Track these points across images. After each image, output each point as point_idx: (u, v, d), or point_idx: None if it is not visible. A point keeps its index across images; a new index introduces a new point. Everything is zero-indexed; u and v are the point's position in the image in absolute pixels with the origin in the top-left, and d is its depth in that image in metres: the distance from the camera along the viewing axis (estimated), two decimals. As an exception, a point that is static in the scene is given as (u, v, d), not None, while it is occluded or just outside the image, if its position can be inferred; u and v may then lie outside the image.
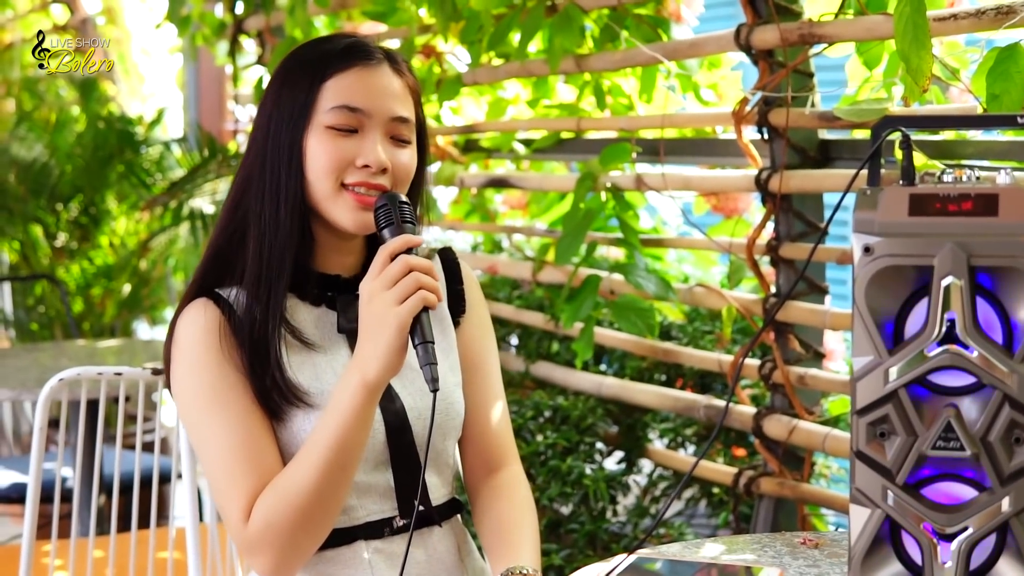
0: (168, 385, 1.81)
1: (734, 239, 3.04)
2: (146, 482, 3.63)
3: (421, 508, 1.83)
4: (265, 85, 1.93)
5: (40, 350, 3.94)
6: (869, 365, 1.43)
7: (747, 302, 3.00)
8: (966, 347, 1.40)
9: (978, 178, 1.46)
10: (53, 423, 4.70)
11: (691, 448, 3.50)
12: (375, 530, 1.80)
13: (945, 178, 1.47)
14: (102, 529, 3.29)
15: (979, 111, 2.29)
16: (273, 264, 1.76)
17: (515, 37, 3.38)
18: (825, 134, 2.87)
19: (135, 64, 7.88)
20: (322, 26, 4.46)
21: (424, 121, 1.87)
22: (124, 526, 3.53)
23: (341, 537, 1.79)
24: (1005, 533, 1.43)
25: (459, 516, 1.92)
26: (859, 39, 2.56)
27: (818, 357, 2.92)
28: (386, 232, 1.69)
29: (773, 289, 2.92)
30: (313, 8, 4.15)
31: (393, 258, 1.65)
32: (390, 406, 1.80)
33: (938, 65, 2.42)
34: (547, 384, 3.70)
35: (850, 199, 1.51)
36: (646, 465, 3.65)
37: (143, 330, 6.51)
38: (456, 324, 1.94)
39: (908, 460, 1.43)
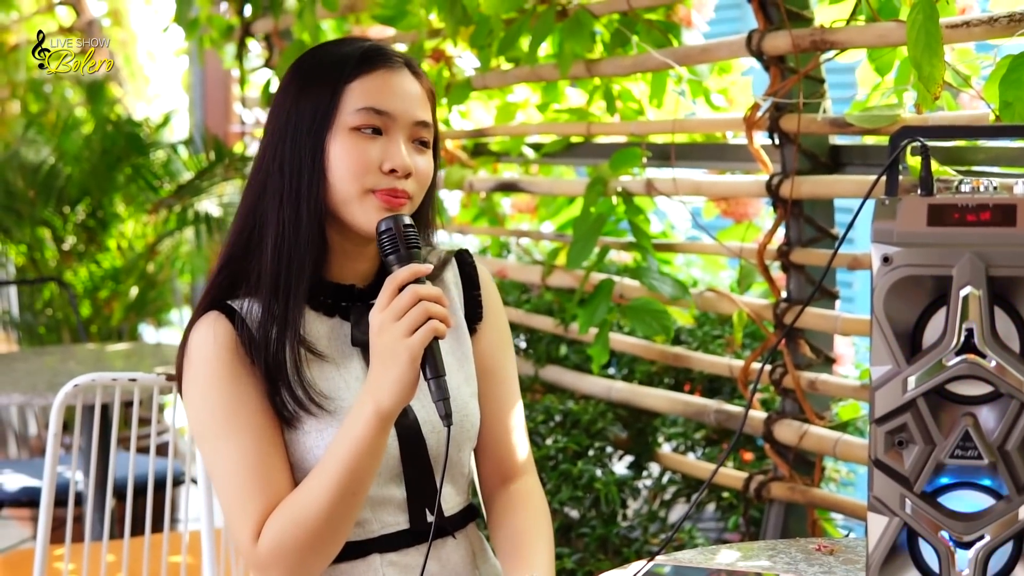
0: (180, 395, 1.80)
1: (744, 244, 3.05)
2: (159, 486, 3.64)
3: (440, 517, 1.83)
4: (275, 88, 1.90)
5: (48, 354, 3.95)
6: (888, 374, 1.44)
7: (757, 307, 3.00)
8: (984, 357, 1.40)
9: (996, 188, 1.47)
10: (64, 426, 4.70)
11: (700, 452, 3.51)
12: (389, 543, 1.80)
13: (963, 188, 1.47)
14: (113, 533, 3.30)
15: (991, 118, 2.30)
16: (293, 270, 1.74)
17: (525, 42, 3.38)
18: (836, 140, 2.88)
19: (140, 66, 7.88)
20: (330, 29, 4.46)
21: (438, 126, 1.86)
22: (135, 530, 3.54)
23: (355, 551, 1.78)
24: (1022, 541, 1.43)
25: (474, 523, 1.91)
26: (871, 45, 2.56)
27: (828, 362, 2.92)
28: (391, 259, 1.67)
29: (784, 294, 2.93)
30: (322, 11, 4.16)
31: (401, 288, 1.64)
32: (403, 420, 1.79)
33: (950, 72, 2.43)
34: (557, 388, 3.70)
35: (866, 206, 1.52)
36: (654, 469, 3.65)
37: (149, 333, 6.51)
38: (473, 331, 1.92)
39: (926, 469, 1.44)
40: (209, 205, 5.27)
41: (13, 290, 5.39)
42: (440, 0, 3.44)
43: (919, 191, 1.48)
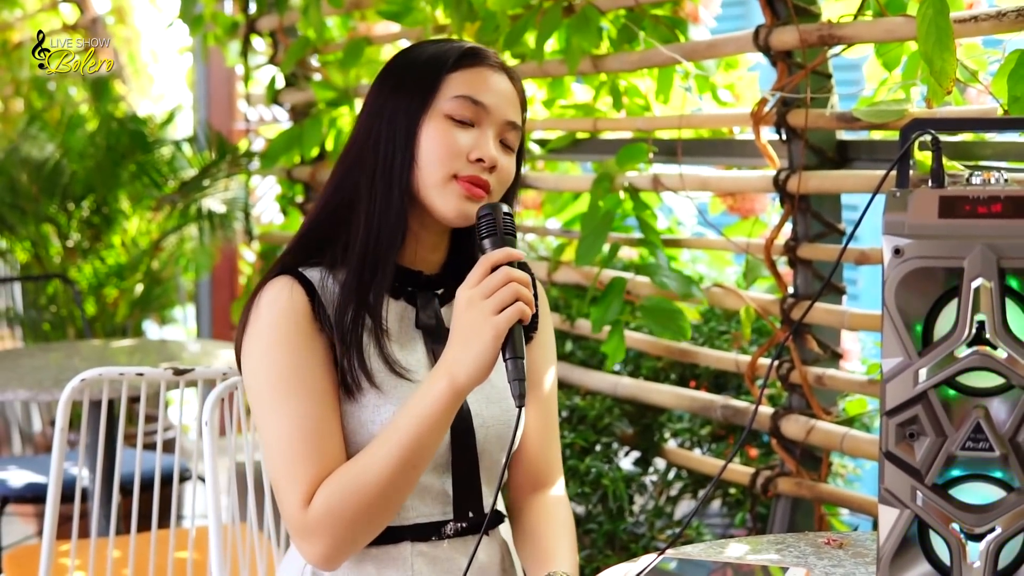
0: (238, 357, 1.81)
1: (751, 239, 3.05)
2: (165, 482, 3.64)
3: (472, 515, 1.84)
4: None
5: (53, 350, 3.95)
6: (899, 366, 1.44)
7: (764, 302, 3.00)
8: (995, 348, 1.40)
9: (1006, 180, 1.47)
10: (69, 423, 4.71)
11: (706, 448, 3.51)
12: (423, 533, 1.81)
13: (973, 180, 1.47)
14: (119, 530, 3.30)
15: (999, 113, 2.30)
16: (382, 246, 1.77)
17: (531, 38, 3.38)
18: (843, 135, 2.87)
19: (145, 64, 7.89)
20: (335, 26, 4.46)
21: (525, 134, 1.89)
22: (142, 527, 3.54)
23: (388, 535, 1.79)
24: (1034, 533, 1.43)
25: (500, 527, 1.92)
26: (878, 40, 2.56)
27: (835, 357, 2.92)
28: (487, 242, 1.70)
29: (791, 289, 2.93)
30: (327, 8, 4.15)
31: (494, 269, 1.66)
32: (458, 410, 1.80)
33: (958, 67, 2.43)
34: (563, 384, 3.70)
35: (867, 199, 1.52)
36: (661, 465, 3.65)
37: (153, 331, 6.52)
38: (528, 339, 1.94)
39: (937, 461, 1.44)
40: (213, 202, 5.26)
41: (18, 287, 5.39)
42: (446, -4, 3.44)
43: (930, 183, 1.48)
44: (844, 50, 2.69)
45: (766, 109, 2.82)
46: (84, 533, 3.37)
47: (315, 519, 1.70)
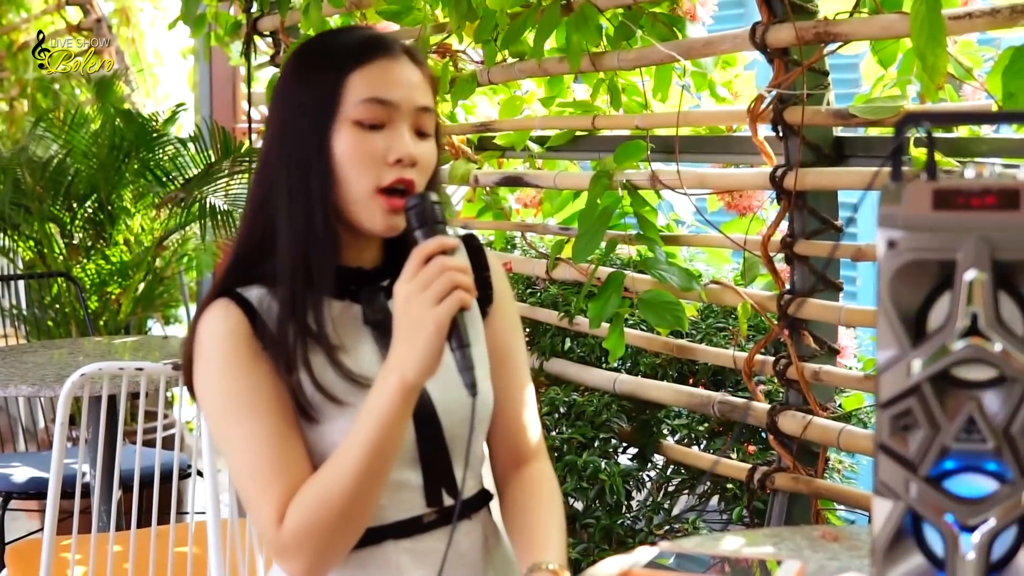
0: (189, 386, 1.79)
1: (748, 236, 3.06)
2: (165, 478, 3.65)
3: (450, 503, 1.83)
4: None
5: (57, 347, 3.96)
6: (893, 358, 1.44)
7: (761, 299, 3.01)
8: (989, 340, 1.41)
9: (1000, 173, 1.47)
10: (70, 419, 4.72)
11: (704, 444, 3.51)
12: (404, 529, 1.80)
13: (967, 173, 1.48)
14: (121, 525, 3.31)
15: (994, 109, 2.30)
16: (313, 261, 1.74)
17: (530, 36, 3.39)
18: (840, 132, 2.88)
19: (148, 65, 7.89)
20: (336, 25, 4.47)
21: (438, 113, 1.85)
22: (141, 522, 3.54)
23: (370, 537, 1.78)
24: (1026, 525, 1.44)
25: (488, 507, 1.92)
26: (874, 37, 2.57)
27: (832, 353, 2.93)
28: (419, 233, 1.67)
29: (787, 286, 2.93)
30: (328, 8, 4.16)
31: (427, 260, 1.64)
32: (418, 400, 1.77)
33: (952, 63, 2.44)
34: (561, 381, 3.71)
35: (869, 196, 1.52)
36: (658, 461, 3.66)
37: (157, 328, 6.53)
38: (484, 313, 1.93)
39: (931, 452, 1.44)
40: (216, 200, 5.28)
41: (22, 284, 5.40)
42: (445, -5, 3.45)
43: (924, 176, 1.48)
44: (840, 47, 2.70)
45: (763, 106, 2.83)
46: (86, 528, 3.38)
47: (290, 537, 1.68)
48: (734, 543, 1.81)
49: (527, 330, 3.98)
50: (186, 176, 5.41)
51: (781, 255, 2.94)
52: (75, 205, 5.35)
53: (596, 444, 3.38)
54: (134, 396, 3.54)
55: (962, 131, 2.55)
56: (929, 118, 1.53)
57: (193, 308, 6.76)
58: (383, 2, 3.89)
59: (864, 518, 3.19)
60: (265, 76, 5.30)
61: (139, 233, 5.51)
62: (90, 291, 5.36)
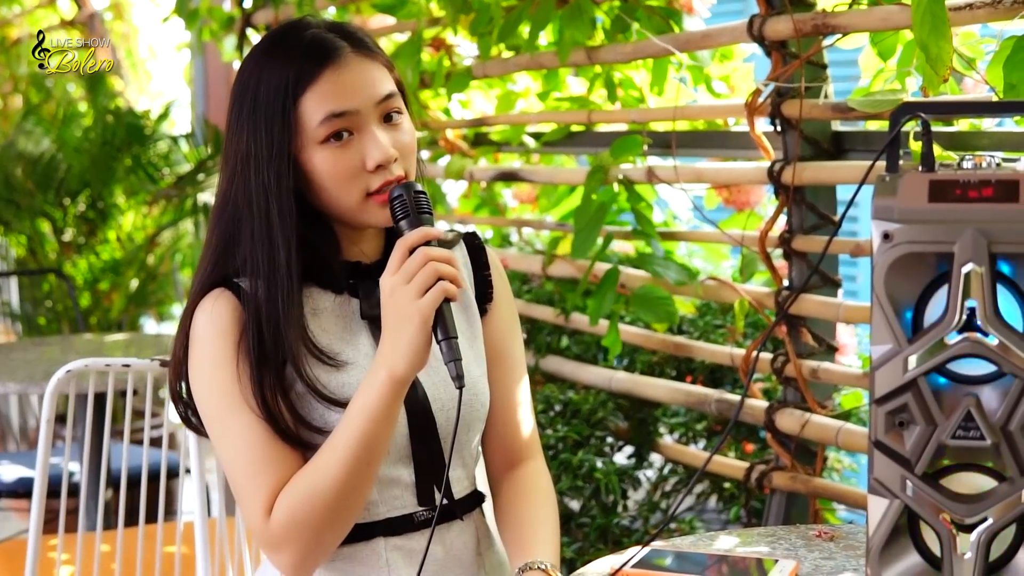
0: (181, 377, 1.77)
1: (746, 232, 3.03)
2: (153, 476, 3.62)
3: (445, 502, 1.81)
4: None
5: (47, 344, 3.93)
6: (888, 353, 1.41)
7: (759, 295, 2.98)
8: (986, 335, 1.38)
9: (998, 164, 1.44)
10: (60, 417, 4.70)
11: (702, 443, 3.49)
12: (395, 526, 1.78)
13: (965, 164, 1.44)
14: (107, 524, 3.28)
15: (994, 101, 2.27)
16: (282, 306, 1.70)
17: (525, 29, 3.36)
18: (838, 126, 2.85)
19: (142, 60, 7.88)
20: (332, 20, 4.44)
21: (401, 80, 1.80)
22: (131, 521, 3.52)
23: (360, 533, 1.76)
24: (1026, 524, 1.41)
25: (481, 508, 1.89)
26: (873, 29, 2.54)
27: (831, 351, 2.90)
28: (403, 224, 1.65)
29: (786, 282, 2.90)
30: (321, 2, 4.13)
31: (412, 251, 1.62)
32: (413, 396, 1.77)
33: (954, 55, 2.40)
34: (557, 378, 3.68)
35: (866, 191, 1.49)
36: (656, 460, 3.63)
37: (150, 325, 6.50)
38: (483, 312, 1.91)
39: (927, 450, 1.41)
40: (209, 196, 5.25)
41: (13, 281, 5.38)
42: (440, -12, 3.42)
43: (920, 167, 1.45)
44: (839, 39, 2.67)
45: (760, 100, 2.80)
46: (74, 528, 3.35)
47: (278, 529, 1.66)
48: (728, 542, 1.78)
49: (524, 327, 3.95)
50: (178, 173, 5.38)
51: (779, 251, 2.91)
52: (67, 201, 5.33)
53: (592, 442, 3.35)
54: (125, 394, 3.51)
55: (963, 124, 2.52)
56: (926, 109, 1.50)
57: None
58: (377, -4, 3.87)
59: (863, 518, 3.16)
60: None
61: (131, 230, 5.49)
62: (82, 288, 5.34)
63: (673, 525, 3.30)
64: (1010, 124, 2.60)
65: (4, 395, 4.66)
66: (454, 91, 3.78)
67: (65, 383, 2.51)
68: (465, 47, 3.91)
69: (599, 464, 3.29)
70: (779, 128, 2.83)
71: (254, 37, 5.01)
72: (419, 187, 1.69)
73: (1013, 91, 2.11)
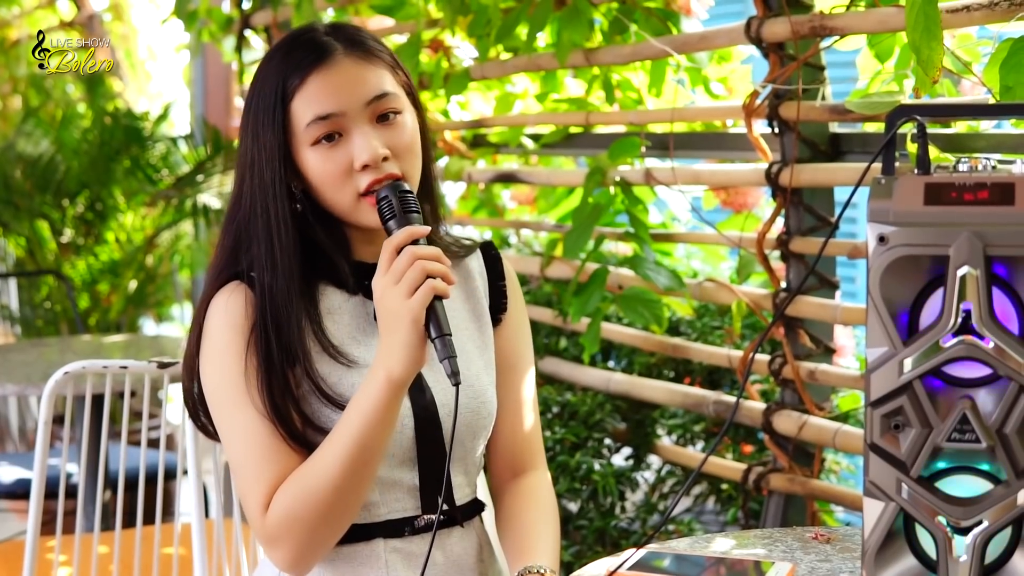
0: (195, 375, 1.78)
1: (744, 234, 3.03)
2: (151, 478, 3.62)
3: (446, 507, 1.81)
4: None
5: (45, 345, 3.93)
6: (883, 356, 1.41)
7: (757, 297, 2.98)
8: (982, 338, 1.38)
9: (994, 167, 1.44)
10: (58, 419, 4.70)
11: (700, 444, 3.49)
12: (395, 528, 1.78)
13: (960, 167, 1.45)
14: (107, 525, 3.28)
15: (991, 103, 2.27)
16: (284, 305, 1.72)
17: (523, 31, 3.36)
18: (836, 127, 2.85)
19: (141, 61, 7.88)
20: (330, 21, 4.44)
21: (410, 82, 1.81)
22: (129, 522, 3.52)
23: (360, 533, 1.76)
24: (1021, 527, 1.41)
25: (481, 517, 1.89)
26: (871, 31, 2.54)
27: (828, 352, 2.90)
28: (390, 224, 1.66)
29: (783, 284, 2.90)
30: (320, 3, 4.13)
31: (399, 251, 1.62)
32: (420, 399, 1.78)
33: (950, 58, 2.40)
34: (555, 380, 3.68)
35: (862, 192, 1.49)
36: (654, 462, 3.63)
37: (149, 327, 6.50)
38: (496, 322, 1.91)
39: (923, 452, 1.41)
40: (208, 198, 5.25)
41: (12, 282, 5.38)
42: (438, -10, 3.42)
43: (916, 170, 1.45)
44: (836, 41, 2.67)
45: (758, 102, 2.80)
46: (72, 529, 3.35)
47: (275, 524, 1.67)
48: (725, 544, 1.78)
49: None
50: (177, 174, 5.38)
51: (777, 252, 2.91)
52: (65, 203, 5.33)
53: (589, 444, 3.35)
54: (123, 395, 3.51)
55: (960, 126, 2.51)
56: (922, 112, 1.50)
57: (187, 306, 6.74)
58: (376, -3, 3.87)
59: (861, 520, 3.15)
60: (258, 72, 5.27)
61: (130, 231, 5.49)
62: (80, 289, 5.34)
63: (671, 527, 3.30)
64: (1007, 126, 2.60)
65: (3, 396, 4.66)
66: (452, 93, 3.78)
67: (63, 384, 2.51)
68: (463, 48, 3.91)
69: (597, 466, 3.29)
70: (777, 130, 2.83)
71: (253, 38, 5.01)
72: (406, 186, 1.69)
73: (1010, 93, 2.10)
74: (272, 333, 1.71)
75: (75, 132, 5.43)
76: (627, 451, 3.58)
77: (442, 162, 4.12)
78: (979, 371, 1.40)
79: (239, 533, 2.37)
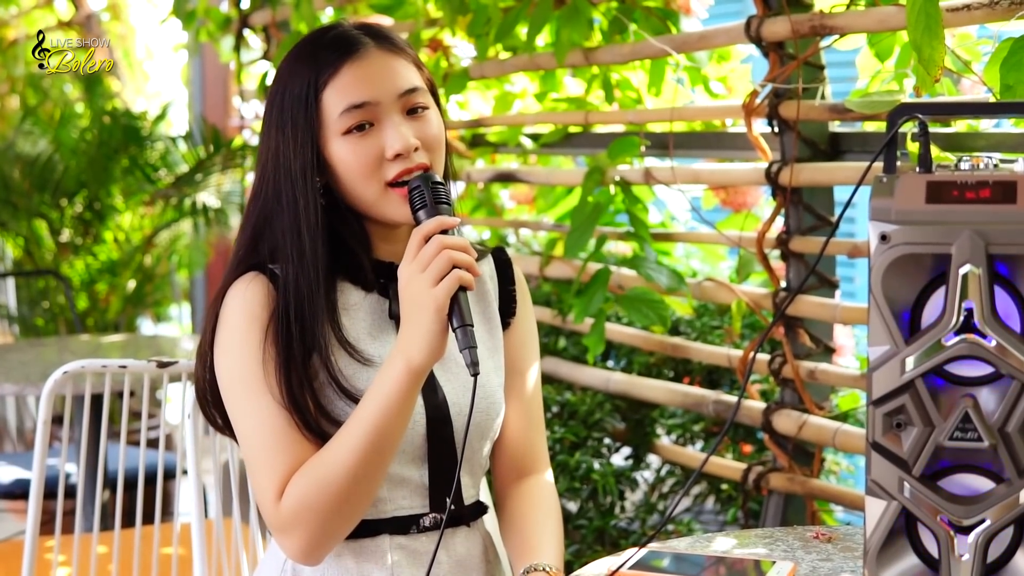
0: (209, 367, 1.78)
1: (743, 233, 3.02)
2: (150, 478, 3.62)
3: (453, 507, 1.81)
4: (270, 81, 1.88)
5: (44, 345, 3.93)
6: (885, 355, 1.41)
7: (756, 296, 2.98)
8: (984, 336, 1.37)
9: (996, 166, 1.44)
10: (57, 419, 4.69)
11: (699, 444, 3.49)
12: (401, 526, 1.78)
13: (962, 165, 1.44)
14: (105, 525, 3.28)
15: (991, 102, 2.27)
16: (309, 295, 1.73)
17: (522, 30, 3.36)
18: (836, 127, 2.85)
19: (139, 61, 7.87)
20: (327, 20, 4.43)
21: (432, 81, 1.83)
22: (128, 522, 3.51)
23: (366, 529, 1.77)
24: (1023, 525, 1.41)
25: (484, 519, 1.90)
26: (871, 30, 2.54)
27: (828, 352, 2.90)
28: (420, 214, 1.67)
29: (783, 283, 2.90)
30: (319, 2, 4.13)
31: (427, 240, 1.62)
32: (432, 398, 1.78)
33: (950, 57, 2.40)
34: (554, 379, 3.68)
35: (861, 191, 1.49)
36: (654, 461, 3.63)
37: (147, 326, 6.50)
38: (505, 326, 1.92)
39: (925, 451, 1.41)
40: (207, 197, 5.24)
41: (10, 282, 5.37)
42: (437, -11, 3.42)
43: (918, 169, 1.45)
44: (836, 40, 2.66)
45: (758, 101, 2.80)
46: (71, 529, 3.35)
47: (288, 513, 1.67)
48: (726, 544, 1.77)
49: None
50: (176, 174, 5.38)
51: (776, 252, 2.91)
52: (64, 202, 5.32)
53: (589, 444, 3.35)
54: (122, 395, 3.51)
55: (960, 126, 2.51)
56: (924, 110, 1.50)
57: (186, 306, 6.74)
58: (375, -4, 3.87)
59: (861, 519, 3.15)
60: (257, 72, 5.27)
61: (128, 231, 5.48)
62: (79, 289, 5.34)
63: (670, 527, 3.30)
64: (1007, 125, 2.60)
65: (1, 396, 4.66)
66: (451, 92, 3.77)
67: (62, 384, 2.51)
68: (462, 48, 3.91)
69: (596, 465, 3.28)
70: (776, 129, 2.83)
71: (251, 38, 5.01)
72: (437, 178, 1.70)
73: (1010, 92, 2.10)
74: (294, 323, 1.71)
75: (73, 132, 5.43)
76: (626, 451, 3.58)
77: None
78: (981, 370, 1.40)
79: (239, 533, 2.36)
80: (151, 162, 5.38)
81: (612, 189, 3.22)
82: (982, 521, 1.40)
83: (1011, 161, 1.47)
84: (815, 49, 2.72)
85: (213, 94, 6.65)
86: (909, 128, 2.20)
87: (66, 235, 5.39)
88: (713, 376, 3.51)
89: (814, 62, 2.75)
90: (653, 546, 1.69)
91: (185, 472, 2.60)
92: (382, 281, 1.81)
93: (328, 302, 1.75)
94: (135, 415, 5.18)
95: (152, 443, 4.95)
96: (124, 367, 2.54)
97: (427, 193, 1.67)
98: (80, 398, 3.08)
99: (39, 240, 5.35)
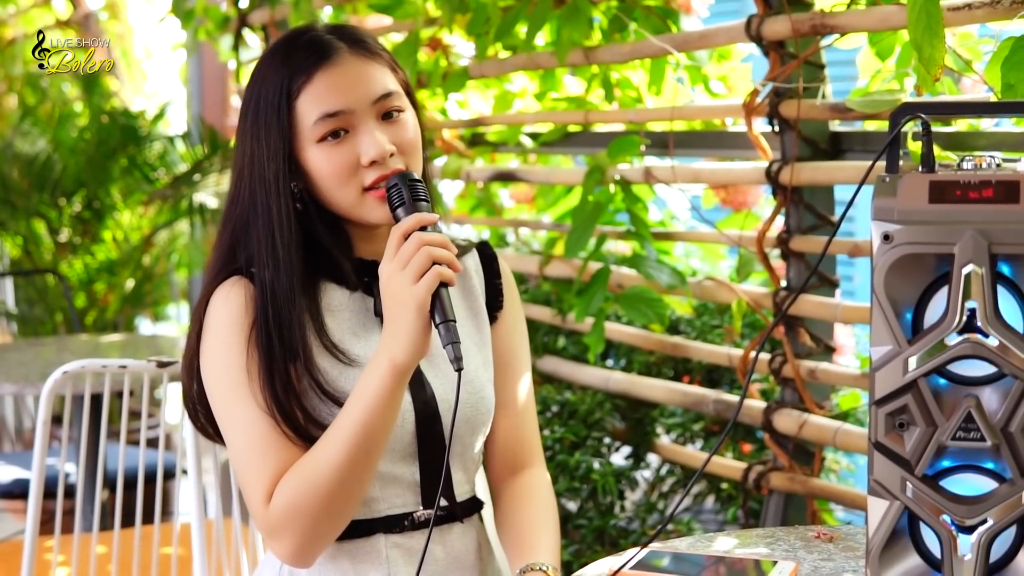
0: (195, 375, 1.78)
1: (744, 232, 3.02)
2: (150, 478, 3.62)
3: (445, 503, 1.81)
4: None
5: (43, 344, 3.92)
6: (888, 355, 1.41)
7: (757, 295, 2.97)
8: (986, 336, 1.37)
9: (999, 165, 1.44)
10: (56, 418, 4.69)
11: (699, 443, 3.48)
12: (395, 523, 1.78)
13: (965, 165, 1.44)
14: (105, 525, 3.27)
15: (993, 101, 2.27)
16: (285, 301, 1.72)
17: (522, 29, 3.35)
18: (836, 126, 2.85)
19: (138, 61, 7.86)
20: (326, 19, 4.43)
21: (408, 81, 1.82)
22: (128, 522, 3.50)
23: (360, 529, 1.76)
24: (1026, 526, 1.41)
25: (480, 514, 1.89)
26: (871, 29, 2.53)
27: (828, 351, 2.90)
28: (399, 212, 1.67)
29: (783, 283, 2.90)
30: (318, 1, 4.12)
31: (407, 237, 1.63)
32: (421, 394, 1.78)
33: (951, 56, 2.40)
34: (554, 379, 3.68)
35: (864, 191, 1.49)
36: (653, 461, 3.63)
37: (146, 326, 6.49)
38: (493, 319, 1.92)
39: (927, 451, 1.41)
40: (205, 196, 5.24)
41: (9, 282, 5.37)
42: (437, -12, 3.41)
43: (920, 168, 1.45)
44: (837, 40, 2.66)
45: (758, 100, 2.79)
46: (70, 529, 3.34)
47: (277, 516, 1.67)
48: (727, 543, 1.77)
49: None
50: (174, 173, 5.38)
51: (777, 251, 2.91)
52: (62, 202, 5.32)
53: (589, 443, 3.34)
54: (121, 394, 3.51)
55: (961, 125, 2.51)
56: (926, 110, 1.50)
57: (184, 306, 6.73)
58: (374, -4, 3.86)
59: (861, 519, 3.15)
60: (255, 71, 5.26)
61: (127, 230, 5.48)
62: (77, 288, 5.33)
63: (670, 526, 3.30)
64: (1008, 124, 2.60)
65: (0, 396, 4.65)
66: (451, 91, 3.77)
67: (61, 384, 2.50)
68: (462, 47, 3.90)
69: (596, 465, 3.28)
70: (777, 128, 2.83)
71: (250, 37, 5.01)
72: (415, 175, 1.71)
73: (1011, 91, 2.10)
74: (273, 329, 1.71)
75: (72, 131, 5.43)
76: (626, 450, 3.58)
77: (440, 161, 4.11)
78: (984, 369, 1.40)
79: (239, 533, 2.36)
80: (149, 161, 5.37)
81: (612, 188, 3.22)
82: (984, 521, 1.39)
83: (1013, 160, 1.47)
84: (816, 48, 2.72)
85: (211, 93, 6.64)
86: (910, 127, 2.20)
87: (65, 235, 5.39)
88: (713, 375, 3.50)
89: (815, 61, 2.75)
90: (654, 546, 1.69)
91: (185, 472, 2.59)
92: (366, 280, 1.80)
93: (310, 306, 1.75)
94: (134, 415, 5.17)
95: (152, 443, 4.95)
96: (124, 367, 2.53)
97: (405, 191, 1.68)
98: (79, 398, 3.07)
99: (38, 239, 5.35)
